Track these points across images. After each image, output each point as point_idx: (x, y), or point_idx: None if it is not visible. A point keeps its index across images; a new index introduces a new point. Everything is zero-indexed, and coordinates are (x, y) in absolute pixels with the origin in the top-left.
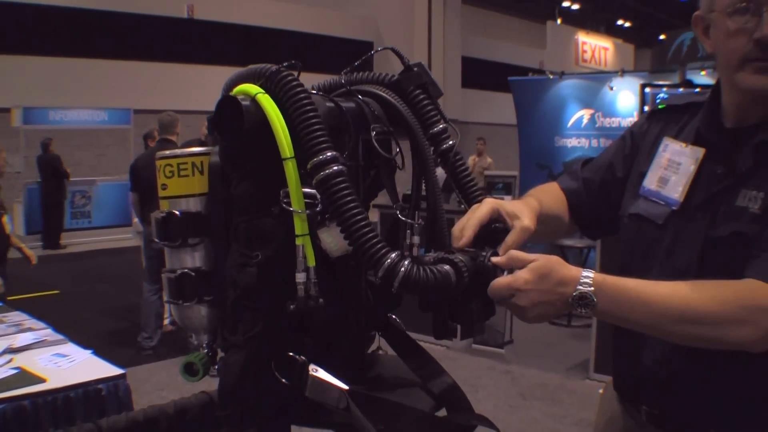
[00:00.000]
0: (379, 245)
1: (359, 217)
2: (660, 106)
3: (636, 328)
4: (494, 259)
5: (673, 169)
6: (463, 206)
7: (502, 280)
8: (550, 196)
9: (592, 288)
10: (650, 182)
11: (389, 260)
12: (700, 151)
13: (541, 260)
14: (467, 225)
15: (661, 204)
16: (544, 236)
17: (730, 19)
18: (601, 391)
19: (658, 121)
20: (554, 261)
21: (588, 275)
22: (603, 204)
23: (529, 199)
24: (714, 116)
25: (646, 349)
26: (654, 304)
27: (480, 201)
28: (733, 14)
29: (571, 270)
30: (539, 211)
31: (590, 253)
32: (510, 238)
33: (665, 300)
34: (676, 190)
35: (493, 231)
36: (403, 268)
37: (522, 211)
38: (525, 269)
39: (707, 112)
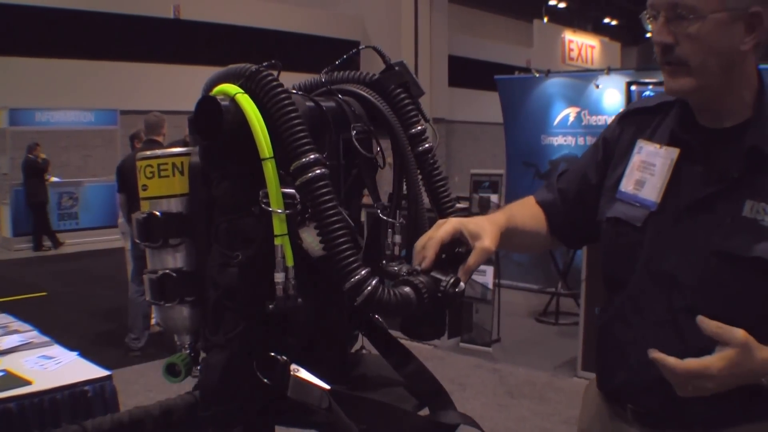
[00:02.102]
0: (352, 258)
1: (338, 225)
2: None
3: None
4: (703, 321)
5: (649, 171)
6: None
7: (695, 365)
8: (525, 211)
9: None
10: (627, 185)
11: (358, 276)
12: (675, 152)
13: (741, 350)
14: (428, 245)
15: (639, 206)
16: (522, 249)
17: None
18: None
19: (630, 124)
20: (752, 348)
21: None
22: (580, 212)
23: (497, 215)
24: (687, 115)
25: (633, 351)
26: None
27: (448, 215)
28: (651, 20)
29: (763, 353)
30: (507, 226)
31: (576, 251)
32: (471, 259)
33: None
34: (652, 192)
35: (456, 254)
36: (369, 287)
37: (484, 230)
38: (724, 356)
39: (680, 111)
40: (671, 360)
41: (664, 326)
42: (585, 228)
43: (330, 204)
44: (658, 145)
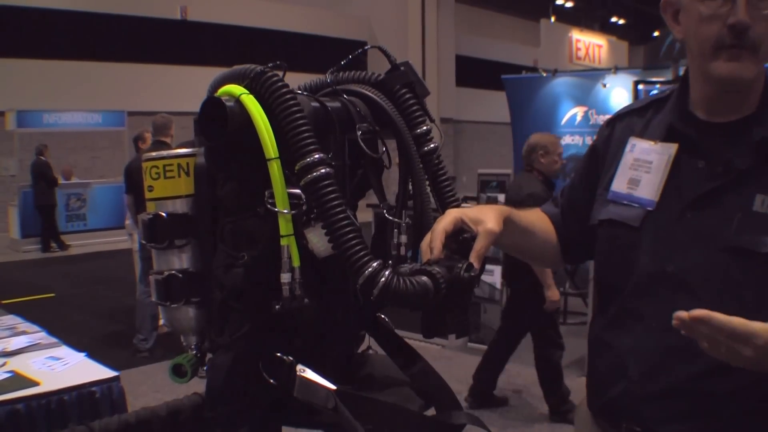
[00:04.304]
0: (362, 252)
1: (345, 222)
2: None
3: None
4: None
5: (644, 168)
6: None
7: (740, 325)
8: (534, 214)
9: None
10: (619, 185)
11: (370, 269)
12: (673, 147)
13: None
14: (433, 236)
15: (634, 206)
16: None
17: (703, 4)
18: None
19: (621, 124)
20: None
21: None
22: (575, 225)
23: (500, 205)
24: (684, 109)
25: (632, 360)
26: None
27: None
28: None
29: None
30: (509, 216)
31: None
32: (477, 243)
33: None
34: (650, 189)
35: (462, 241)
36: (383, 278)
37: (485, 214)
38: None
39: (678, 105)
40: (718, 315)
41: (674, 333)
42: (582, 241)
43: (336, 202)
44: (653, 142)
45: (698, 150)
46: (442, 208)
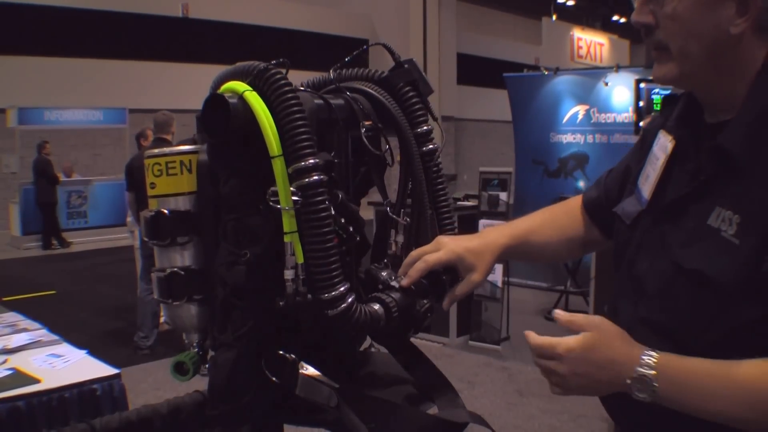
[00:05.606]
0: (336, 272)
1: (328, 237)
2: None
3: (706, 418)
4: (558, 314)
5: (653, 164)
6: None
7: (545, 340)
8: (549, 219)
9: (654, 371)
10: (641, 178)
11: (336, 293)
12: (671, 145)
13: (597, 332)
14: (416, 266)
15: (637, 204)
16: (545, 260)
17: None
18: None
19: (667, 111)
20: (611, 335)
21: (651, 355)
22: None
23: (508, 230)
24: (692, 107)
25: None
26: (727, 390)
27: (447, 230)
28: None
29: (631, 348)
30: (516, 243)
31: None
32: (458, 289)
33: (743, 386)
34: (648, 188)
35: (440, 280)
36: (344, 305)
37: (481, 259)
38: (575, 337)
39: (685, 103)
40: (531, 335)
41: (631, 334)
42: None
43: (322, 214)
44: (670, 137)
45: (689, 151)
46: (437, 218)
